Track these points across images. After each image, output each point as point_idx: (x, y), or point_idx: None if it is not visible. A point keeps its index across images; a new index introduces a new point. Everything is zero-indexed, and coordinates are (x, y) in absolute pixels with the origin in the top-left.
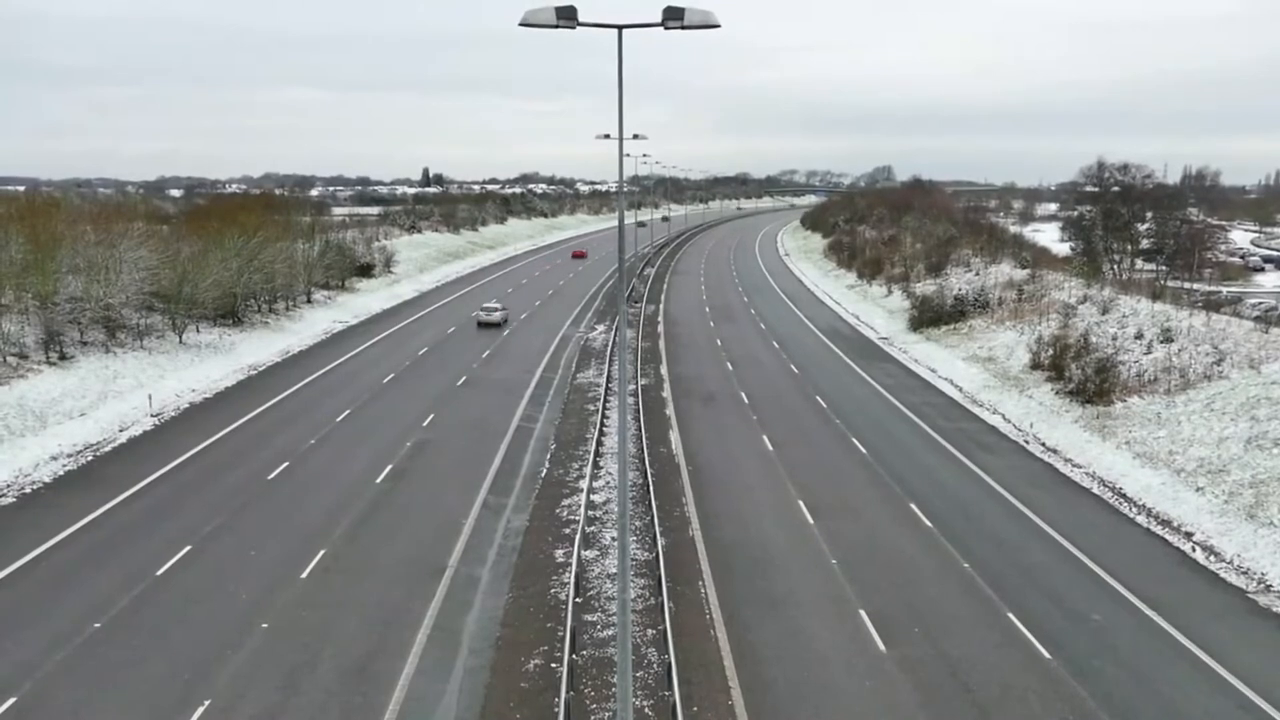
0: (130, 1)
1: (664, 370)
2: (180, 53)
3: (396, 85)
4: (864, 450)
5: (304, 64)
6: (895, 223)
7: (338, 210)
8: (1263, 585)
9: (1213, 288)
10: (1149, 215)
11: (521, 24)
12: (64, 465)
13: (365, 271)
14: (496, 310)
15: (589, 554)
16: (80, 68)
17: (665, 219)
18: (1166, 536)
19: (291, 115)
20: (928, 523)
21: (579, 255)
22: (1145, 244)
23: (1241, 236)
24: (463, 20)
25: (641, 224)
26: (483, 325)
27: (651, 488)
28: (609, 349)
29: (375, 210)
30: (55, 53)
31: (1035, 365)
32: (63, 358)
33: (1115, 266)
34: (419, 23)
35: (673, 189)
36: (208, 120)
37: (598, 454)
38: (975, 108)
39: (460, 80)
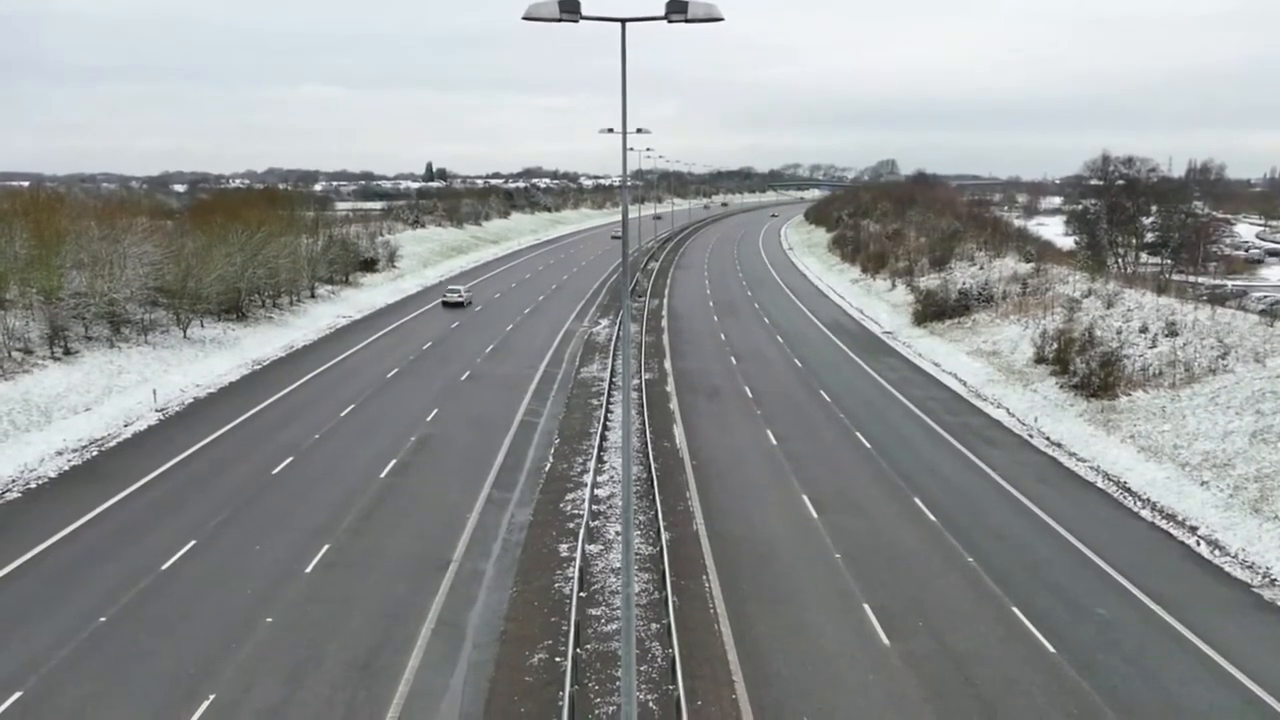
0: (140, 2)
1: (668, 365)
2: (191, 51)
3: (408, 82)
4: (868, 445)
5: (316, 62)
6: (899, 217)
7: (341, 205)
8: (1268, 579)
9: (1218, 281)
10: (1154, 209)
11: (525, 18)
12: (69, 460)
13: (369, 266)
14: (621, 232)
15: (593, 548)
16: (88, 66)
17: (724, 204)
18: (1171, 531)
19: (302, 112)
20: (932, 517)
21: (658, 217)
22: (1150, 237)
23: (1247, 230)
24: (477, 17)
25: (707, 206)
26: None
27: (655, 482)
28: (612, 343)
29: (379, 205)
30: (65, 51)
31: (1039, 359)
32: (67, 353)
33: (1120, 260)
34: (431, 20)
35: (676, 183)
36: (216, 118)
37: (601, 448)
38: (980, 102)
39: (473, 77)
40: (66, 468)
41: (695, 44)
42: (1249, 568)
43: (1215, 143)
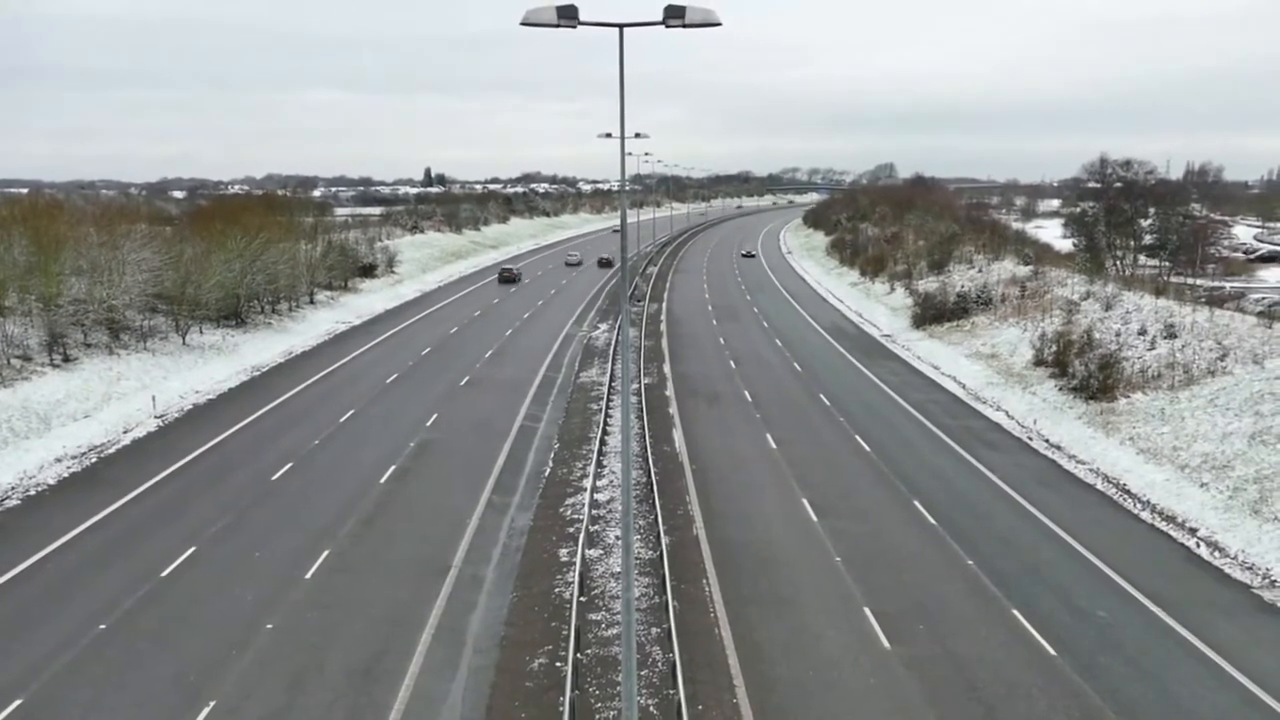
0: (142, 2)
1: (667, 369)
2: (195, 54)
3: (407, 86)
4: (868, 448)
5: (315, 65)
6: (898, 220)
7: (340, 211)
8: (1268, 580)
9: (1216, 283)
10: (1152, 211)
11: (523, 23)
12: (68, 467)
13: (368, 272)
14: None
15: (593, 553)
16: (94, 69)
17: (741, 207)
18: (1171, 533)
19: (301, 117)
20: (932, 520)
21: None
22: (1148, 240)
23: (1244, 232)
24: (477, 21)
25: (775, 204)
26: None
27: (655, 486)
28: (612, 348)
29: (377, 211)
30: (70, 54)
31: (1039, 362)
32: (66, 360)
33: (1118, 262)
34: (431, 24)
35: (675, 187)
36: (219, 122)
37: (601, 453)
38: (978, 105)
39: (473, 82)
40: (66, 474)
41: (696, 48)
42: (1249, 569)
43: (1213, 145)
